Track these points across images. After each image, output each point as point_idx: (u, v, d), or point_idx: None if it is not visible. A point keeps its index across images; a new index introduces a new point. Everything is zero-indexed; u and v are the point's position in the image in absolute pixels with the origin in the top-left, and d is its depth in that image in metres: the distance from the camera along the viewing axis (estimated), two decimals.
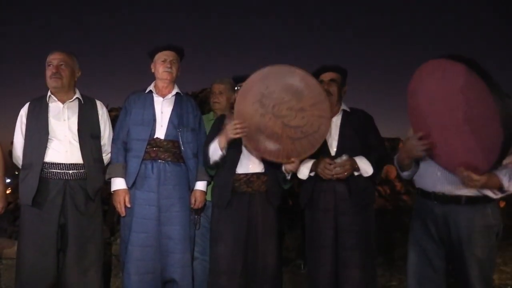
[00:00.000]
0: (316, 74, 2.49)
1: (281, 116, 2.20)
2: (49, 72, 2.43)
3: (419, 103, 1.98)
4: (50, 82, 2.43)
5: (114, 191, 2.49)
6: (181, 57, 2.64)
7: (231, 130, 2.24)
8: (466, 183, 1.90)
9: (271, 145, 2.26)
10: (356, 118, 2.49)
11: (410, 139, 2.06)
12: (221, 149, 2.34)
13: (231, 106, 2.92)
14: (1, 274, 3.20)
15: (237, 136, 2.25)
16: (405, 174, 2.27)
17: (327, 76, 2.45)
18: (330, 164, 2.31)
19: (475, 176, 1.83)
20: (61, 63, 2.44)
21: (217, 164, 2.44)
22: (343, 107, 2.52)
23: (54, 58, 2.44)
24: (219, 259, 2.38)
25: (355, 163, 2.33)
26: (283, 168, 2.37)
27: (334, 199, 2.37)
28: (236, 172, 2.40)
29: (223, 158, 2.39)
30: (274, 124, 2.21)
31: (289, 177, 2.39)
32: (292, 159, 2.26)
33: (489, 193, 1.97)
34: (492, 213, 2.02)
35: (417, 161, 2.19)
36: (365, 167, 2.35)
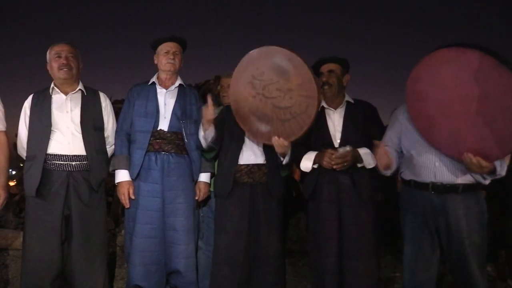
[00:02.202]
0: (316, 67, 2.47)
1: (270, 97, 2.19)
2: (57, 63, 2.42)
3: (423, 89, 1.97)
4: (60, 74, 2.42)
5: (118, 183, 2.50)
6: (184, 49, 2.63)
7: (205, 112, 2.27)
8: (472, 169, 1.93)
9: (262, 127, 2.26)
10: (360, 109, 2.48)
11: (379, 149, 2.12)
12: (204, 131, 2.35)
13: None
14: (8, 265, 3.24)
15: (209, 116, 2.27)
16: (388, 172, 2.27)
17: (325, 68, 2.45)
18: (333, 154, 2.31)
19: (484, 163, 1.87)
20: (70, 54, 2.45)
21: (211, 148, 2.44)
22: (347, 98, 2.50)
23: (63, 50, 2.44)
24: (221, 249, 2.39)
25: (358, 154, 2.33)
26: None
27: (337, 191, 2.37)
28: (238, 163, 2.41)
29: (214, 143, 2.40)
30: (264, 105, 2.21)
31: (284, 162, 2.36)
32: (281, 140, 2.22)
33: (480, 179, 2.02)
34: (483, 199, 2.08)
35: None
36: (368, 159, 2.35)
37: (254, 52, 2.18)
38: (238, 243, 2.36)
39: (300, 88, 2.13)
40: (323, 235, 2.39)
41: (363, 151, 2.35)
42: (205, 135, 2.36)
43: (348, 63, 2.51)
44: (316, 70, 2.48)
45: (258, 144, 2.43)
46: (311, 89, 2.12)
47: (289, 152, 2.30)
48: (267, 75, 2.17)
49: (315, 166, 2.42)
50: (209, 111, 2.26)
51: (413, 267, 2.17)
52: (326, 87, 2.43)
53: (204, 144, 2.42)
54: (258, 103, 2.22)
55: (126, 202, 2.50)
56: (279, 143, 2.22)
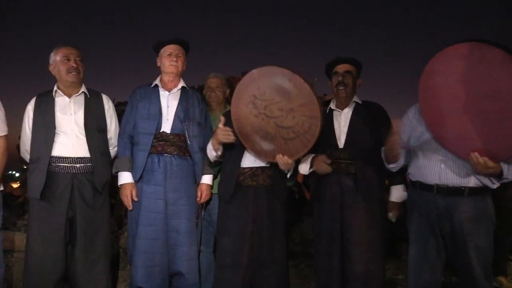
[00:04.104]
0: (331, 66, 2.45)
1: (273, 116, 2.18)
2: (66, 66, 2.43)
3: (437, 84, 1.92)
4: (68, 77, 2.43)
5: (121, 185, 2.51)
6: (186, 51, 2.63)
7: (222, 134, 2.28)
8: (477, 169, 1.90)
9: (266, 146, 2.26)
10: (369, 111, 2.44)
11: (392, 136, 2.06)
12: (215, 150, 2.38)
13: (226, 101, 2.93)
14: (12, 267, 3.24)
15: (228, 140, 2.29)
16: (391, 166, 2.25)
17: (342, 68, 2.42)
18: (324, 162, 2.31)
19: (491, 163, 1.84)
20: (78, 58, 2.46)
21: (217, 162, 2.47)
22: (355, 99, 2.47)
23: (72, 53, 2.45)
24: (224, 252, 2.39)
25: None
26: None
27: (340, 192, 2.35)
28: (241, 166, 2.40)
29: (221, 157, 2.43)
30: (267, 124, 2.21)
31: (289, 175, 2.38)
32: (285, 159, 2.23)
33: (488, 183, 1.99)
34: (491, 203, 2.06)
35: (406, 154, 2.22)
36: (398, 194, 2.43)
37: (254, 72, 2.17)
38: (242, 246, 2.35)
39: (303, 108, 2.12)
40: (326, 237, 2.38)
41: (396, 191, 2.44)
42: (217, 154, 2.40)
43: (361, 67, 2.48)
44: (330, 69, 2.47)
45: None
46: (314, 109, 2.11)
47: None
48: (268, 94, 2.16)
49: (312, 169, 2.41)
50: (224, 132, 2.29)
51: (418, 269, 2.15)
52: (341, 87, 2.40)
53: (211, 159, 2.46)
54: (260, 122, 2.22)
55: (129, 204, 2.50)
56: (284, 161, 2.22)
